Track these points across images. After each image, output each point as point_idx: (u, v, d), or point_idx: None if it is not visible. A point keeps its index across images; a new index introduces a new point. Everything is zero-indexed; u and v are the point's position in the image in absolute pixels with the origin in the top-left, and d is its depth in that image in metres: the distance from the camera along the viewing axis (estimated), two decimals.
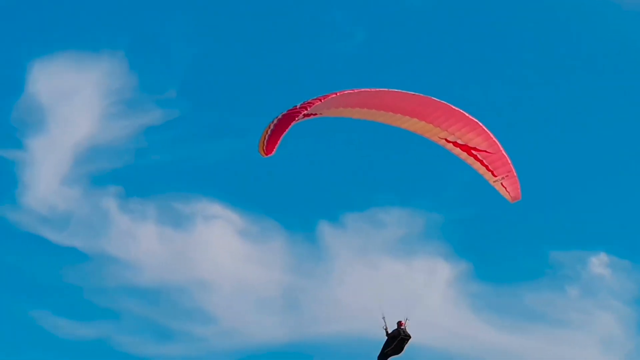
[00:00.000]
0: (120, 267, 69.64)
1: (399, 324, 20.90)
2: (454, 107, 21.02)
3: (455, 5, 70.09)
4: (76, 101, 73.09)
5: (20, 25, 79.23)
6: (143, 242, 71.39)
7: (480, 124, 21.31)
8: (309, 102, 19.53)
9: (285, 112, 19.55)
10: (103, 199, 72.09)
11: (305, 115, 19.58)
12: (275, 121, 19.37)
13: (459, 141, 21.68)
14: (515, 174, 21.90)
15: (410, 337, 20.79)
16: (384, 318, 20.93)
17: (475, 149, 21.72)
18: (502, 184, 22.11)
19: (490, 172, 21.99)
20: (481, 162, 21.92)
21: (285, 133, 19.05)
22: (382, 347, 21.01)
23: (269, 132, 19.16)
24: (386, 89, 20.54)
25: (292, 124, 19.07)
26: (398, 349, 20.83)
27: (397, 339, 20.74)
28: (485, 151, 21.72)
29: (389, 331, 20.93)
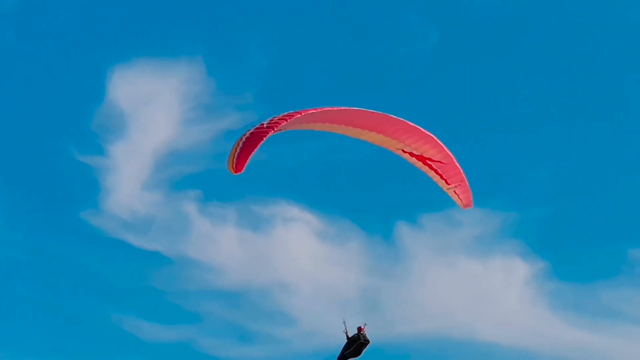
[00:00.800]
0: (202, 270, 68.27)
1: (359, 329, 22.65)
2: (410, 123, 22.56)
3: (527, 4, 68.16)
4: (156, 107, 70.73)
5: (100, 32, 76.38)
6: (223, 245, 70.04)
7: (435, 138, 22.89)
8: (275, 122, 20.92)
9: (252, 130, 20.93)
10: (183, 203, 70.53)
11: (279, 129, 21.00)
12: (243, 139, 20.75)
13: (415, 152, 23.27)
14: (467, 183, 23.57)
15: (369, 341, 22.54)
16: (344, 322, 22.66)
17: (430, 159, 23.33)
18: (454, 191, 23.81)
19: (444, 181, 23.66)
20: (435, 171, 23.56)
21: (254, 152, 20.45)
22: (341, 349, 22.78)
23: (237, 150, 20.54)
24: (348, 107, 22.02)
25: (261, 143, 20.47)
26: (357, 352, 22.59)
27: (357, 343, 22.49)
28: (440, 162, 23.34)
29: (349, 335, 22.67)
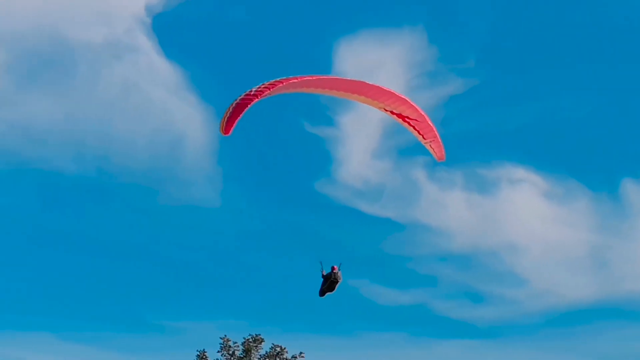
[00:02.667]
0: (433, 235, 72.50)
1: (332, 268, 26.69)
2: (386, 88, 25.88)
3: None
4: (381, 76, 74.77)
5: (325, 6, 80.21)
6: (452, 210, 73.99)
7: (409, 100, 26.14)
8: (261, 90, 24.61)
9: (242, 96, 24.72)
10: (412, 170, 74.29)
11: (264, 96, 24.71)
12: (234, 104, 24.61)
13: (395, 111, 26.63)
14: (439, 139, 26.81)
15: (339, 280, 26.58)
16: (321, 262, 26.71)
17: (408, 117, 26.67)
18: (430, 145, 27.11)
19: (421, 136, 27.02)
20: (413, 127, 26.94)
21: (240, 116, 24.32)
22: (320, 286, 26.93)
23: (227, 114, 24.44)
24: (328, 76, 25.55)
25: (245, 109, 24.31)
26: (331, 288, 26.71)
27: (330, 280, 26.58)
28: (416, 120, 26.66)
29: (324, 273, 26.73)
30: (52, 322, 70.76)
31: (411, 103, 26.22)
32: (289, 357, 51.95)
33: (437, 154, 27.27)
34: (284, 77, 25.09)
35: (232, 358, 51.65)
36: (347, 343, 68.44)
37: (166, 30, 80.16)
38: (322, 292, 26.87)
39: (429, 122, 26.58)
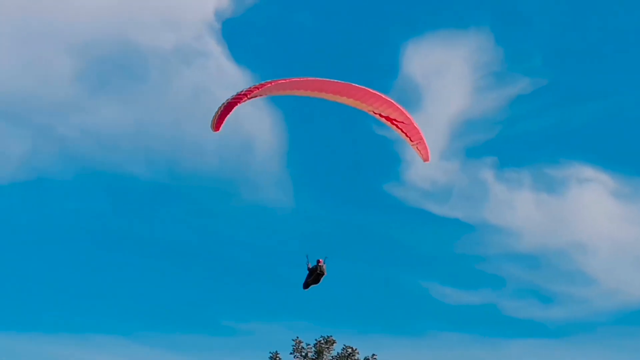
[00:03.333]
0: (502, 235, 73.31)
1: (318, 261, 27.80)
2: (373, 90, 26.92)
3: None
4: (448, 78, 76.23)
5: (392, 9, 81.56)
6: (520, 209, 74.58)
7: (395, 103, 27.15)
8: (250, 89, 25.85)
9: (233, 95, 25.99)
10: (480, 170, 75.31)
11: (249, 98, 25.96)
12: (225, 103, 25.88)
13: (383, 114, 27.66)
14: (425, 141, 27.79)
15: (324, 273, 27.66)
16: (307, 256, 27.84)
17: (395, 120, 27.69)
18: (417, 147, 28.11)
19: (408, 138, 28.03)
20: (401, 130, 27.95)
21: (229, 114, 25.59)
22: (305, 278, 28.03)
23: (218, 112, 25.73)
24: (317, 78, 26.63)
25: (235, 107, 25.57)
26: (316, 280, 27.81)
27: (315, 272, 27.69)
28: (402, 122, 27.67)
29: (310, 266, 27.85)
30: (125, 324, 72.74)
31: (398, 106, 27.23)
32: (361, 358, 52.57)
33: (423, 155, 28.24)
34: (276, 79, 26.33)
35: (304, 359, 52.31)
36: (418, 344, 69.30)
37: (235, 35, 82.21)
38: (307, 285, 27.97)
39: (415, 125, 27.57)
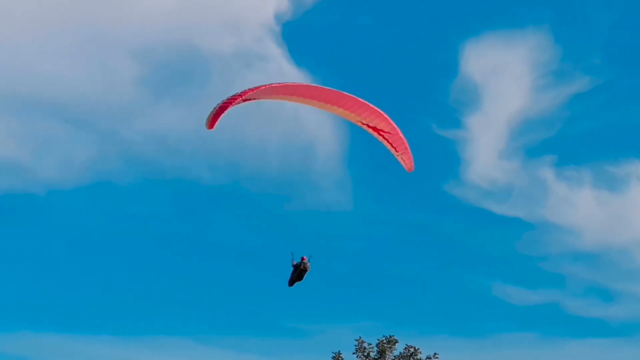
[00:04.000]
0: (562, 233, 73.60)
1: (302, 258, 28.63)
2: (362, 100, 28.03)
3: None
4: (507, 77, 77.14)
5: (450, 9, 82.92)
6: (581, 207, 74.91)
7: (383, 113, 28.25)
8: (245, 92, 26.89)
9: (229, 96, 27.02)
10: (540, 169, 75.81)
11: (244, 100, 26.99)
12: (220, 103, 26.90)
13: (370, 124, 28.74)
14: (410, 151, 28.88)
15: (308, 269, 28.49)
16: (292, 253, 28.68)
17: (382, 130, 28.77)
18: (402, 157, 29.17)
19: (394, 149, 29.08)
20: (387, 140, 29.00)
21: (223, 114, 26.59)
22: (289, 275, 28.83)
23: (213, 111, 26.73)
24: (309, 84, 27.74)
25: (229, 108, 26.58)
26: (300, 277, 28.62)
27: (299, 269, 28.51)
28: (389, 132, 28.74)
29: (295, 263, 28.68)
30: (191, 326, 73.19)
31: (385, 116, 28.32)
32: (423, 357, 52.70)
33: (407, 165, 29.30)
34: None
35: (367, 359, 52.40)
36: (480, 343, 69.32)
37: (295, 38, 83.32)
38: (292, 282, 28.74)
39: (401, 135, 28.65)
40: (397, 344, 52.64)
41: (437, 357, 52.39)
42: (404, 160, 29.28)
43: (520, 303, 71.44)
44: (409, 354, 52.33)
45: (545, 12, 79.97)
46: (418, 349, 52.49)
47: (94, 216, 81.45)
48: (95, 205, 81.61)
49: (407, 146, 28.84)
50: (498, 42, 75.08)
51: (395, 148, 29.04)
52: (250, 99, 27.38)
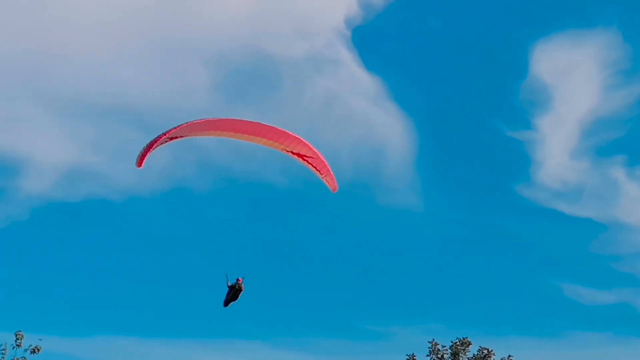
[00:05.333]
0: (635, 233, 73.92)
1: (238, 280, 30.48)
2: (282, 130, 29.91)
3: None
4: (577, 77, 76.79)
5: (519, 11, 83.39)
6: None
7: (304, 140, 30.13)
8: (173, 128, 28.73)
9: (157, 135, 28.89)
10: (611, 169, 76.10)
11: (170, 138, 28.86)
12: (149, 142, 28.76)
13: (294, 151, 30.62)
14: (332, 174, 30.76)
15: (242, 289, 30.34)
16: (226, 275, 30.53)
17: (305, 156, 30.65)
18: (325, 179, 31.06)
19: (318, 172, 30.96)
20: (311, 164, 30.90)
21: (150, 152, 28.47)
22: (225, 296, 30.68)
23: (142, 150, 28.61)
24: (232, 118, 29.60)
25: (154, 146, 28.46)
26: (235, 297, 30.47)
27: (234, 289, 30.36)
28: (312, 157, 30.62)
29: (229, 284, 30.52)
30: (265, 329, 73.77)
31: (305, 142, 30.21)
32: (497, 359, 52.31)
33: (330, 186, 31.19)
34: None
35: None
36: (553, 344, 69.47)
37: (365, 42, 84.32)
38: (227, 302, 30.61)
39: (322, 159, 30.54)
40: (470, 345, 52.21)
41: (510, 359, 52.14)
42: (327, 182, 31.15)
43: (593, 303, 71.64)
44: (482, 355, 51.97)
45: (614, 11, 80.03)
46: (492, 350, 52.14)
47: (171, 222, 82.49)
48: (172, 211, 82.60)
49: (329, 169, 30.71)
50: (567, 42, 75.41)
51: (319, 171, 30.93)
52: (176, 137, 29.26)
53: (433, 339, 52.47)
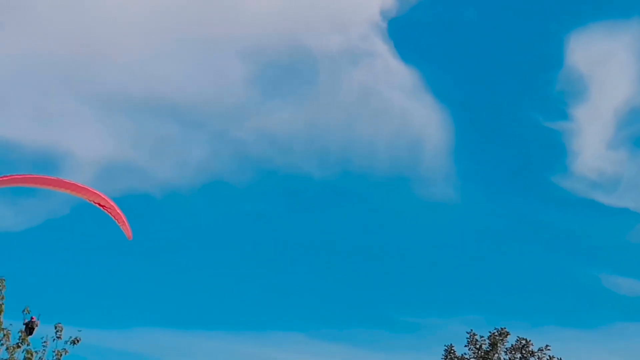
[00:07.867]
0: None
1: (32, 318, 36.37)
2: (82, 185, 36.49)
3: None
4: (612, 67, 77.40)
5: (555, 1, 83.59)
6: None
7: (100, 193, 36.77)
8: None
9: None
10: None
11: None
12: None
13: (95, 201, 37.24)
14: (127, 223, 37.44)
15: (36, 327, 36.06)
16: (23, 312, 36.44)
17: (105, 206, 37.26)
18: (122, 227, 37.72)
19: (116, 220, 37.59)
20: (111, 213, 37.49)
21: None
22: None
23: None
24: (45, 176, 36.15)
25: None
26: (30, 332, 36.35)
27: (28, 327, 36.30)
28: (109, 208, 37.22)
29: (26, 321, 36.40)
30: (304, 321, 76.33)
31: (103, 196, 36.91)
32: (535, 349, 52.35)
33: (127, 234, 37.84)
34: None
35: (479, 352, 52.28)
36: (592, 335, 70.63)
37: (401, 34, 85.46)
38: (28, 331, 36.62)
39: (118, 210, 37.23)
40: (508, 336, 52.87)
41: (548, 349, 52.24)
42: (124, 230, 37.82)
43: (632, 294, 72.34)
44: (520, 345, 52.17)
45: None
46: (530, 340, 52.43)
47: (210, 215, 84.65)
48: (211, 204, 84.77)
49: (125, 219, 37.40)
50: (603, 33, 74.91)
51: (117, 220, 37.59)
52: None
53: (471, 330, 53.28)
